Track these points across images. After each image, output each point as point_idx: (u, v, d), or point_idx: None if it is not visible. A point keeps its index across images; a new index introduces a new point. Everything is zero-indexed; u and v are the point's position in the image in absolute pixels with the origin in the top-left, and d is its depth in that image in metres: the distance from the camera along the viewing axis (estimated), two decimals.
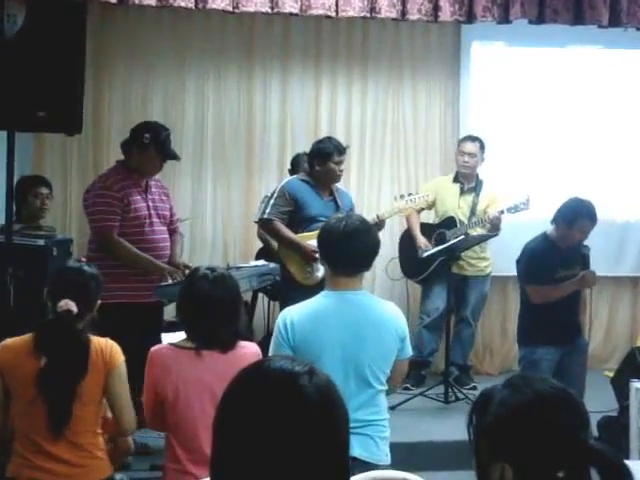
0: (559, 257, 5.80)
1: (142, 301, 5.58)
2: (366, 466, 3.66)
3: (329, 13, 7.01)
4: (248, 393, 1.69)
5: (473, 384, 7.31)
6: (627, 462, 1.88)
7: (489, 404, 1.91)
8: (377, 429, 3.86)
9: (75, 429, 3.73)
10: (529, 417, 1.86)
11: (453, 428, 5.99)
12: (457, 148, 7.61)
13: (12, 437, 3.80)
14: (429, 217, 7.71)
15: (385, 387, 3.90)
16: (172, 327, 6.47)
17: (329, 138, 6.58)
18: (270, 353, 3.79)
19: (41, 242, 5.66)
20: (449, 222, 7.37)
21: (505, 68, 8.28)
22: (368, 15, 7.09)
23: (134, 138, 5.77)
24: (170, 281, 5.65)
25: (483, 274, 7.46)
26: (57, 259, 5.65)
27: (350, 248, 3.81)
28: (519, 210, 7.10)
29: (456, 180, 7.55)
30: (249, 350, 3.82)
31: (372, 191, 8.21)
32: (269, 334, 7.20)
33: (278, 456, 1.62)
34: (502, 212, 7.14)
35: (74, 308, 3.74)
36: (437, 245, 7.17)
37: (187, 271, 5.68)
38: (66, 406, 3.68)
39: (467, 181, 7.51)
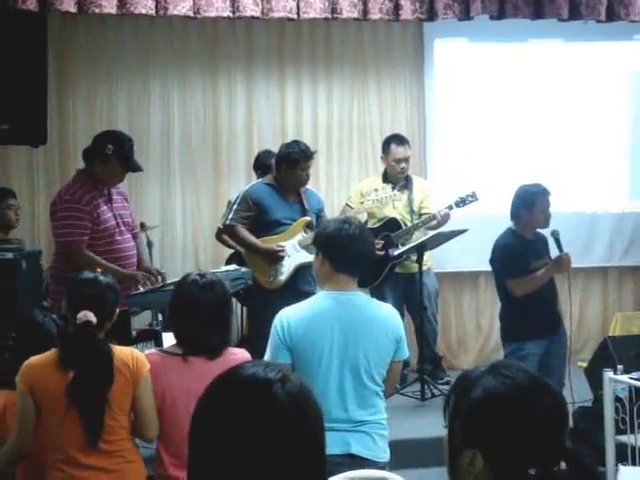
0: (529, 249, 5.88)
1: None
2: (364, 462, 3.72)
3: (290, 15, 7.01)
4: (221, 401, 1.69)
5: (447, 378, 7.30)
6: (625, 468, 1.87)
7: (469, 388, 1.88)
8: (376, 427, 3.89)
9: (109, 438, 3.75)
10: (507, 408, 1.83)
11: (430, 425, 6.01)
12: (384, 152, 7.34)
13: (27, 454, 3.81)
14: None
15: (381, 387, 3.93)
16: (146, 335, 6.49)
17: (297, 142, 6.55)
18: (267, 354, 3.83)
19: (10, 255, 5.63)
20: (392, 224, 7.16)
21: (468, 64, 8.33)
22: (330, 16, 7.10)
23: (97, 148, 5.63)
24: (141, 289, 5.62)
25: (426, 268, 7.30)
26: (26, 272, 5.63)
27: (357, 249, 3.88)
28: (467, 203, 7.02)
29: (385, 180, 7.34)
30: (238, 356, 3.81)
31: (341, 192, 8.21)
32: (243, 339, 7.21)
33: (253, 463, 1.62)
34: (450, 207, 7.04)
35: (93, 319, 3.74)
36: (387, 247, 7.00)
37: (160, 277, 5.68)
38: (99, 416, 3.70)
39: (398, 181, 7.31)
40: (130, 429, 3.84)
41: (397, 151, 7.26)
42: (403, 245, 7.04)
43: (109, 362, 3.73)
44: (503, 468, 1.82)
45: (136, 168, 5.88)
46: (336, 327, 3.80)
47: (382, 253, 6.91)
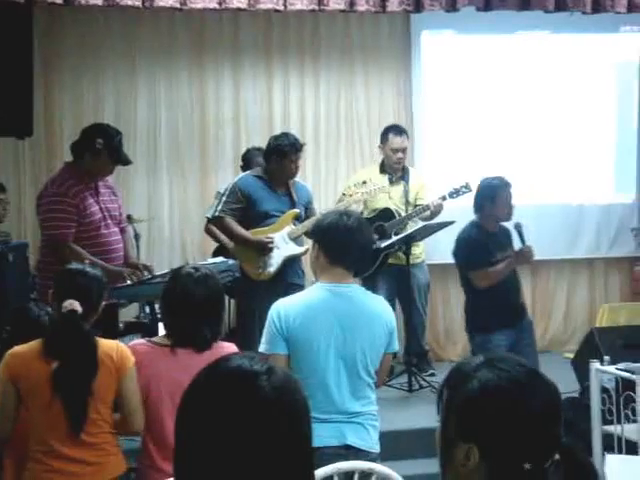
0: (492, 241, 5.94)
1: None
2: (360, 454, 3.74)
3: (277, 7, 7.00)
4: (206, 392, 1.69)
5: (432, 371, 7.32)
6: (611, 457, 1.86)
7: (464, 381, 1.85)
8: (369, 418, 3.90)
9: (91, 430, 3.75)
10: (503, 400, 1.81)
11: (417, 417, 6.03)
12: (382, 142, 7.41)
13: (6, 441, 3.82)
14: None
15: (374, 379, 3.94)
16: (134, 328, 6.48)
17: (286, 135, 6.55)
18: (262, 344, 3.82)
19: None
20: (386, 214, 7.22)
21: (455, 56, 8.33)
22: (317, 8, 7.09)
23: (86, 142, 5.62)
24: (129, 282, 5.61)
25: (419, 260, 7.39)
26: (13, 264, 5.61)
27: (355, 242, 3.86)
28: (461, 194, 7.03)
29: (382, 171, 7.41)
30: (226, 350, 3.81)
31: (328, 184, 8.22)
32: (231, 331, 7.21)
33: (238, 455, 1.62)
34: (444, 198, 7.09)
35: (79, 308, 3.75)
36: (379, 238, 7.07)
37: (146, 272, 5.67)
38: (82, 406, 3.70)
39: (395, 171, 7.38)
40: (112, 422, 3.83)
41: (394, 141, 7.32)
42: (397, 235, 7.05)
43: (93, 352, 3.73)
44: (499, 463, 1.81)
45: (126, 161, 5.87)
46: (334, 319, 3.79)
47: (383, 245, 6.96)
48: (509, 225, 6.08)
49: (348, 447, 3.77)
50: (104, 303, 5.26)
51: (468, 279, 5.98)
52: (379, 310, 3.97)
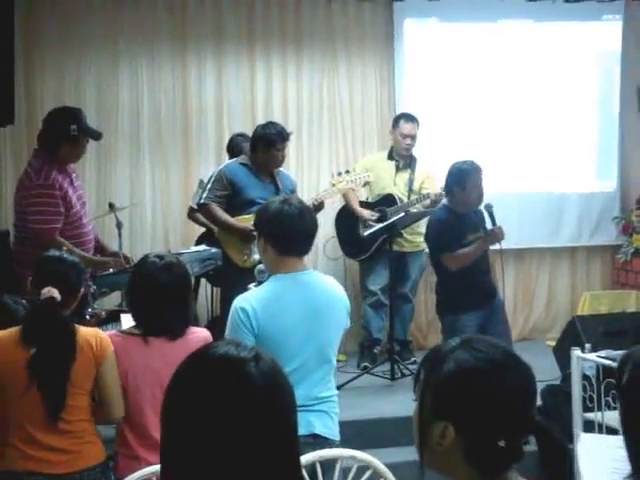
0: (463, 224, 6.02)
1: None
2: (326, 442, 3.74)
3: None
4: (194, 380, 1.69)
5: (413, 359, 7.37)
6: (585, 435, 1.90)
7: (441, 362, 1.90)
8: (332, 405, 3.90)
9: (69, 418, 3.74)
10: (479, 380, 1.85)
11: (400, 404, 6.04)
12: (394, 128, 7.56)
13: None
14: (361, 195, 7.70)
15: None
16: (114, 316, 6.46)
17: (273, 124, 6.54)
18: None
19: None
20: (388, 200, 7.37)
21: (438, 44, 8.33)
22: None
23: (60, 131, 5.47)
24: (110, 270, 5.59)
25: (419, 249, 7.49)
26: None
27: (300, 228, 3.81)
28: None
29: (390, 157, 7.56)
30: (198, 335, 3.82)
31: (311, 172, 8.22)
32: (213, 320, 7.21)
33: (226, 442, 1.62)
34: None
35: (57, 295, 3.74)
36: (379, 223, 7.17)
37: (128, 260, 5.63)
38: (60, 392, 3.69)
39: (402, 159, 7.52)
40: (90, 410, 3.82)
41: (405, 127, 7.46)
42: None
43: (71, 339, 3.72)
44: (473, 440, 1.85)
45: (99, 136, 5.81)
46: (301, 308, 3.77)
47: (365, 234, 7.05)
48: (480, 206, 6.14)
49: (315, 436, 3.76)
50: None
51: (439, 261, 6.05)
52: (338, 291, 3.96)
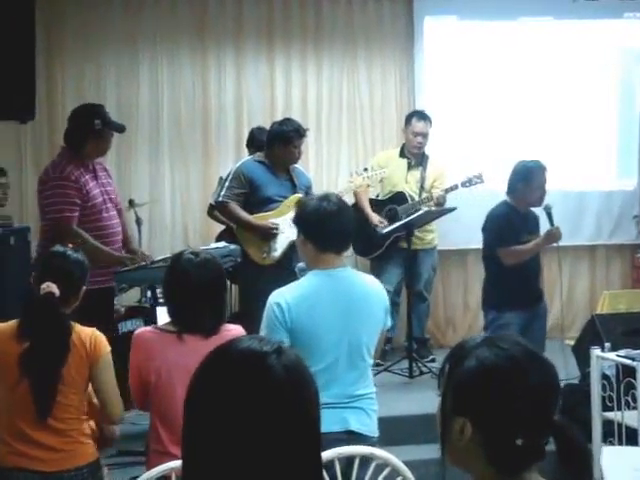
0: (522, 222, 5.98)
1: (94, 287, 5.46)
2: (362, 439, 3.72)
3: None
4: (216, 374, 1.69)
5: (432, 357, 7.35)
6: (608, 448, 1.88)
7: (463, 358, 1.90)
8: (369, 402, 3.89)
9: (59, 416, 3.72)
10: (497, 377, 1.85)
11: (418, 402, 6.04)
12: (406, 125, 7.52)
13: None
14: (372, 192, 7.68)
15: (372, 360, 3.95)
16: (135, 312, 6.49)
17: (290, 120, 6.55)
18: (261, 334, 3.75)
19: None
20: (399, 198, 7.32)
21: (458, 42, 8.31)
22: None
23: (85, 128, 5.59)
24: (131, 266, 5.61)
25: (431, 246, 7.49)
26: (14, 248, 5.61)
27: (339, 225, 3.83)
28: (473, 184, 7.15)
29: (402, 155, 7.52)
30: (233, 333, 3.77)
31: (330, 169, 8.22)
32: (232, 316, 7.21)
33: (248, 436, 1.62)
34: (456, 186, 7.17)
35: (56, 290, 3.72)
36: (390, 221, 7.15)
37: (144, 262, 5.66)
38: (50, 389, 3.68)
39: (414, 156, 7.48)
40: (83, 409, 3.81)
41: (417, 125, 7.42)
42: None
43: (66, 336, 3.69)
44: (491, 437, 1.85)
45: (122, 128, 5.93)
46: (336, 304, 3.78)
47: (384, 231, 7.04)
48: (538, 209, 6.12)
49: (350, 432, 3.75)
50: (100, 287, 5.25)
51: (492, 256, 5.99)
52: (375, 289, 3.97)
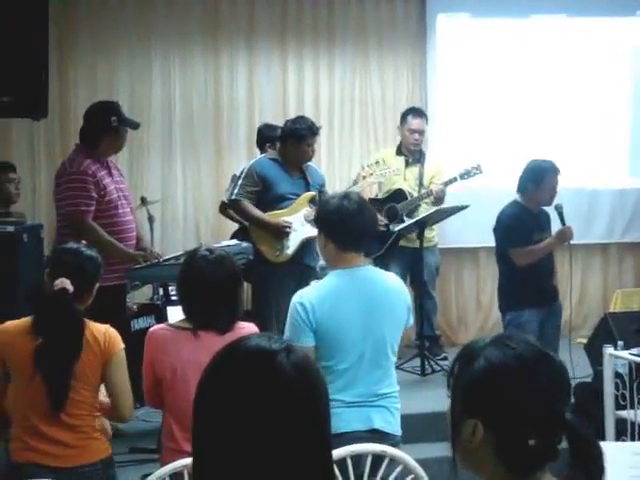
0: (534, 221, 5.97)
1: (106, 284, 5.44)
2: (385, 437, 3.73)
3: None
4: (225, 372, 1.69)
5: (444, 354, 7.34)
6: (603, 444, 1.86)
7: (472, 358, 1.89)
8: (392, 401, 3.90)
9: (73, 412, 3.74)
10: (507, 377, 1.84)
11: (430, 400, 6.03)
12: (402, 123, 7.46)
13: (8, 424, 3.81)
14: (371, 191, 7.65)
15: (395, 358, 3.96)
16: (147, 309, 6.50)
17: (303, 118, 6.54)
18: (287, 336, 3.73)
19: (11, 228, 5.61)
20: (398, 195, 7.25)
21: (470, 39, 8.30)
22: None
23: (102, 126, 5.66)
24: (142, 263, 5.63)
25: (432, 244, 7.44)
26: (28, 245, 5.62)
27: (359, 224, 3.83)
28: (472, 175, 7.08)
29: (399, 152, 7.47)
30: (248, 330, 3.77)
31: (343, 167, 8.22)
32: (246, 313, 7.22)
33: (256, 434, 1.62)
34: (455, 179, 7.12)
35: (69, 287, 3.73)
36: (390, 219, 7.11)
37: (156, 260, 5.68)
38: (63, 384, 3.68)
39: (411, 154, 7.43)
40: (95, 406, 3.81)
41: (413, 122, 7.37)
42: (408, 216, 7.08)
43: (79, 332, 3.70)
44: (503, 438, 1.84)
45: (137, 125, 6.03)
46: (359, 303, 3.78)
47: (384, 229, 6.96)
48: (549, 208, 6.11)
49: (375, 431, 3.75)
50: (113, 284, 5.25)
51: (505, 257, 5.99)
52: (397, 287, 3.97)
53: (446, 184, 7.14)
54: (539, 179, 5.93)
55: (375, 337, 3.79)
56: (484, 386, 1.86)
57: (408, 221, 7.01)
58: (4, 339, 3.75)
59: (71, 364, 3.69)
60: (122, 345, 3.80)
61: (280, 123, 6.75)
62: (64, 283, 3.74)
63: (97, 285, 3.99)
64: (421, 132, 7.39)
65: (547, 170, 5.97)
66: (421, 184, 7.32)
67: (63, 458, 3.72)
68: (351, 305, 3.76)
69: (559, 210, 6.03)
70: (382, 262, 7.15)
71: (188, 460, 3.09)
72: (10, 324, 3.80)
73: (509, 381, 1.84)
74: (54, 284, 3.75)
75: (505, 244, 5.99)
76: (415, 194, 7.26)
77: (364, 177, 6.84)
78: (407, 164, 7.39)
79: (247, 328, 3.82)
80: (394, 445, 3.58)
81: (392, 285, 3.95)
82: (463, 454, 1.90)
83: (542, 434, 1.82)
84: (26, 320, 3.77)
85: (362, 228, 3.86)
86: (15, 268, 5.50)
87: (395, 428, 3.87)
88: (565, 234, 6.01)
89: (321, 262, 4.13)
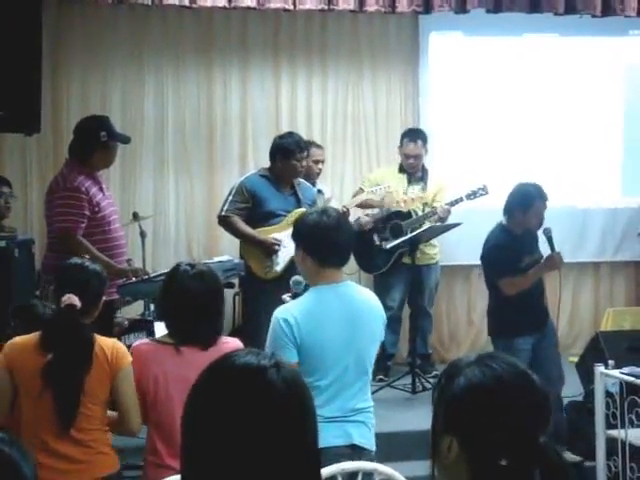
0: (521, 245, 5.89)
1: None
2: (363, 452, 3.74)
3: (287, 6, 7.01)
4: (215, 389, 1.69)
5: (435, 372, 7.33)
6: None
7: (454, 376, 1.90)
8: (369, 416, 3.90)
9: (82, 427, 3.74)
10: (483, 397, 1.85)
11: (421, 418, 6.00)
12: (399, 145, 7.48)
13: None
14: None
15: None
16: (138, 325, 6.48)
17: (291, 134, 6.58)
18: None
19: (2, 243, 5.61)
20: (401, 213, 7.26)
21: (463, 58, 8.32)
22: (326, 7, 7.11)
23: (90, 140, 5.64)
24: (133, 279, 5.62)
25: (433, 262, 7.47)
26: (19, 260, 5.61)
27: (338, 240, 3.82)
28: (478, 196, 7.13)
29: (401, 170, 7.49)
30: (231, 345, 3.78)
31: (335, 183, 8.21)
32: (235, 329, 7.21)
33: (247, 450, 1.62)
34: (461, 199, 7.15)
35: (77, 302, 3.75)
36: (394, 236, 7.13)
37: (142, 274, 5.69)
38: (72, 400, 3.69)
39: (414, 172, 7.46)
40: (104, 420, 3.82)
41: (407, 147, 7.40)
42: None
43: (88, 348, 3.72)
44: (475, 456, 1.84)
45: (128, 140, 6.03)
46: (340, 319, 3.78)
47: (388, 246, 7.01)
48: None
49: (354, 447, 3.76)
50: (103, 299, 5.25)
51: (494, 285, 5.95)
52: (374, 303, 3.98)
53: (452, 204, 7.16)
54: (527, 206, 5.87)
55: (356, 353, 3.80)
56: (460, 404, 1.87)
57: (400, 238, 7.01)
58: (14, 354, 3.76)
59: (81, 380, 3.71)
60: (130, 359, 3.81)
61: (272, 139, 6.76)
62: (71, 299, 3.76)
63: (103, 299, 4.02)
64: (416, 156, 7.37)
65: (534, 197, 5.89)
66: (425, 203, 7.32)
67: (73, 473, 3.74)
68: (334, 321, 3.76)
69: (548, 235, 5.96)
70: (383, 279, 7.24)
71: (175, 478, 3.07)
72: (19, 339, 3.81)
73: (483, 401, 1.85)
74: (62, 300, 3.76)
75: (493, 275, 5.95)
76: (419, 212, 7.26)
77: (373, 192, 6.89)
78: (409, 182, 7.40)
79: (231, 343, 3.83)
80: (371, 460, 3.60)
81: (370, 301, 3.96)
82: (440, 470, 1.91)
83: (514, 456, 1.82)
84: (35, 335, 3.78)
85: (341, 243, 3.85)
86: (7, 282, 5.50)
87: (371, 443, 3.87)
88: (554, 261, 5.92)
89: (296, 276, 4.10)
